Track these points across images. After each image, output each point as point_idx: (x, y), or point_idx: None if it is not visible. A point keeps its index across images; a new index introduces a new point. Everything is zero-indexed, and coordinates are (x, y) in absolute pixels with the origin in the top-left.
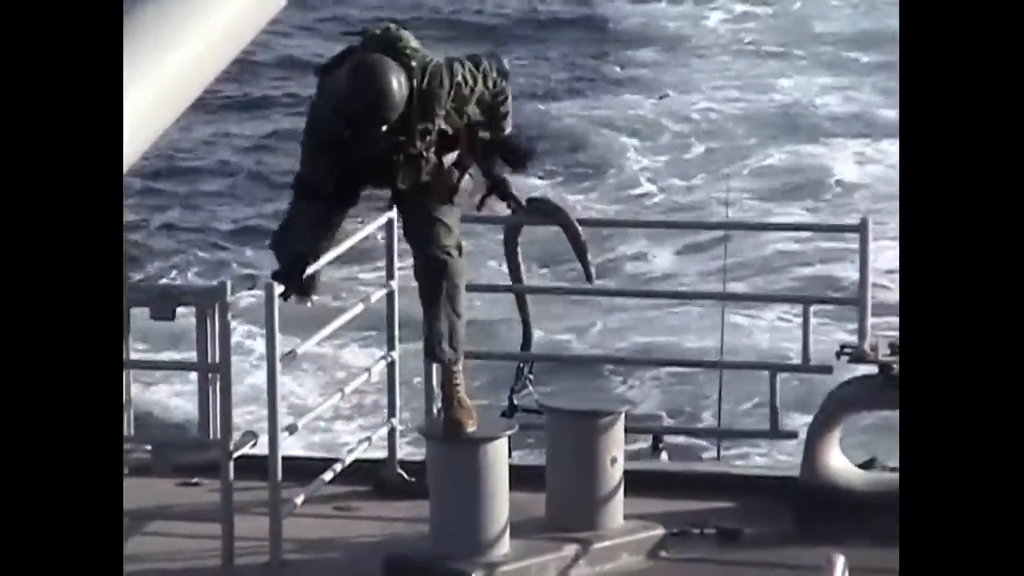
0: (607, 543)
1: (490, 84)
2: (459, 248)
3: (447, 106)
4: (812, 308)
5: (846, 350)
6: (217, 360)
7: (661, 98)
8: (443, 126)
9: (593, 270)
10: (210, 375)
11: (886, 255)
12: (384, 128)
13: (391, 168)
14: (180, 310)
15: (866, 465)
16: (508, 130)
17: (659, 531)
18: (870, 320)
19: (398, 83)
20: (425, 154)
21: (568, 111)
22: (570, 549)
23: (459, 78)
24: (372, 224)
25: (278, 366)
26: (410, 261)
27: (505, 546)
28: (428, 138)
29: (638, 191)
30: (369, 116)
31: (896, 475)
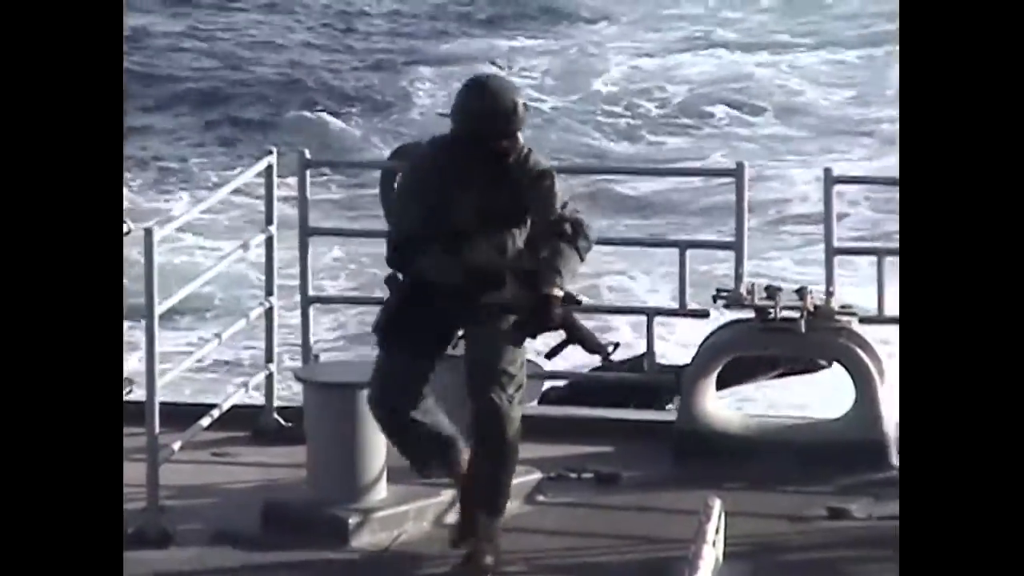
0: None
1: (581, 230)
2: (519, 391)
3: (541, 197)
4: (688, 252)
5: (722, 294)
6: None
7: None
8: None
9: None
10: None
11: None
12: (504, 140)
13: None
14: None
15: None
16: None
17: (537, 475)
18: (746, 264)
19: (524, 102)
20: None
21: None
22: (447, 494)
23: (557, 183)
24: (251, 169)
25: (156, 312)
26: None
27: (383, 491)
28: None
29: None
30: (496, 121)
31: (773, 419)
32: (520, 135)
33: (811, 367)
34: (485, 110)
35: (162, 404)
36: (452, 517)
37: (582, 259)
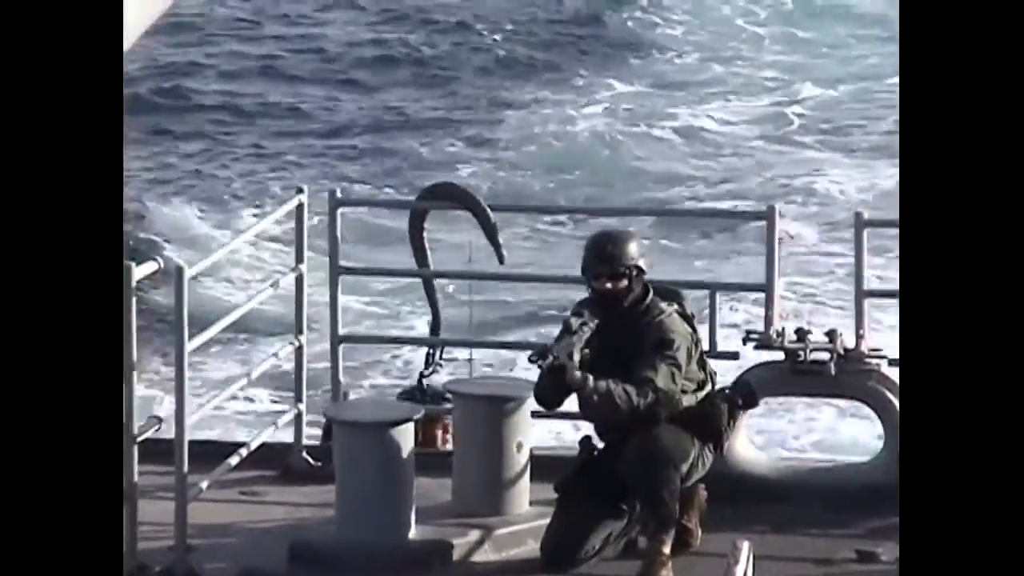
0: (512, 528)
1: (654, 402)
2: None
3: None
4: (719, 295)
5: (752, 336)
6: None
7: None
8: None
9: (504, 252)
10: None
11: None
12: (601, 279)
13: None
14: None
15: None
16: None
17: None
18: (777, 307)
19: (637, 246)
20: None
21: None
22: (475, 534)
23: (672, 358)
24: (282, 208)
25: (186, 349)
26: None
27: (411, 531)
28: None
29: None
30: (592, 259)
31: (801, 462)
32: (628, 283)
33: None
34: (586, 250)
35: (191, 442)
36: (481, 557)
37: (626, 412)
